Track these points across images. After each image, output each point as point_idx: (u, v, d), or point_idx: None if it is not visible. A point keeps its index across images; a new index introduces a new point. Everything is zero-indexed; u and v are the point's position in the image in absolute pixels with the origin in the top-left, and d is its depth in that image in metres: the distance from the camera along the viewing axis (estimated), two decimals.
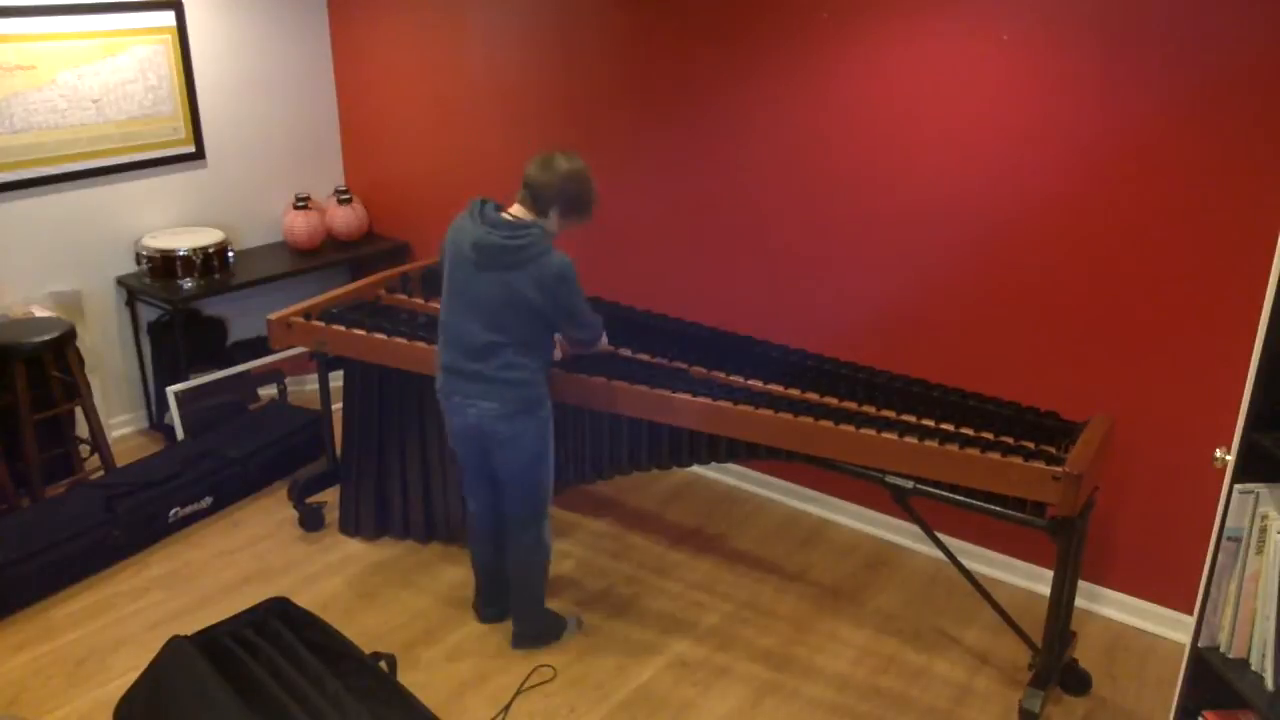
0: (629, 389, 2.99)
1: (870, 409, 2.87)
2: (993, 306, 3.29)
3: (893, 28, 3.22)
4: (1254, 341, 1.91)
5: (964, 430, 2.73)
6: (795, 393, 2.97)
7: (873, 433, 2.72)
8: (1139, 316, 3.03)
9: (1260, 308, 1.92)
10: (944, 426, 2.75)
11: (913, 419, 2.80)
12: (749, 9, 3.49)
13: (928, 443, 2.65)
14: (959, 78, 3.14)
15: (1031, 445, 2.63)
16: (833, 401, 2.92)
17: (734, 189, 3.74)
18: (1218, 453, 1.99)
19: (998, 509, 2.66)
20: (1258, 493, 1.95)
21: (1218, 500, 2.00)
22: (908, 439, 2.67)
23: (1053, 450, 2.63)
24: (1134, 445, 3.14)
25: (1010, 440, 2.67)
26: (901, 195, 3.36)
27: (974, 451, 2.61)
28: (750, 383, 3.04)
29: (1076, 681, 2.98)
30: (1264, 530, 1.94)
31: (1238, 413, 1.95)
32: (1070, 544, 2.67)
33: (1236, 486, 1.95)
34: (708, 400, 2.91)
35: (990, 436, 2.69)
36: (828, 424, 2.77)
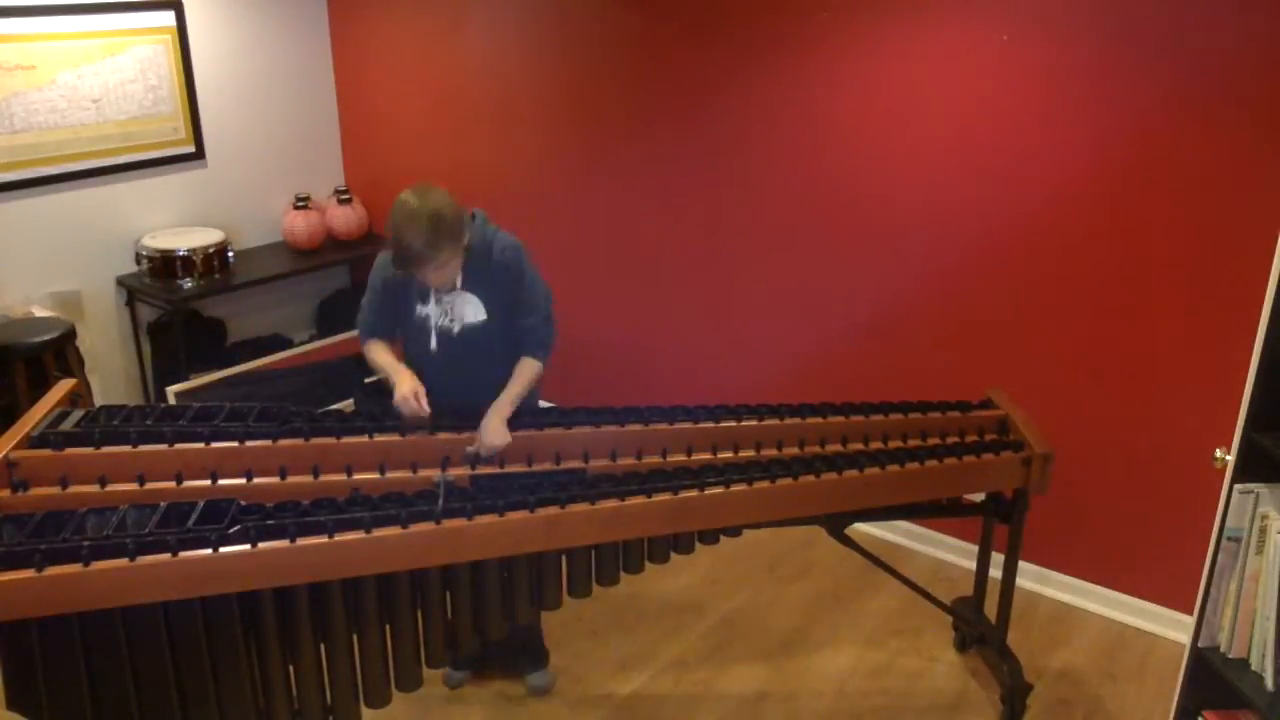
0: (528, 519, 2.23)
1: (793, 450, 2.59)
2: (992, 306, 3.29)
3: (893, 28, 3.22)
4: (1254, 341, 1.91)
5: (896, 445, 2.65)
6: (748, 454, 2.60)
7: (813, 479, 2.45)
8: (1139, 316, 3.03)
9: (1260, 308, 1.92)
10: (875, 447, 2.62)
11: (840, 448, 2.61)
12: (749, 10, 3.49)
13: (891, 468, 2.53)
14: (959, 78, 3.14)
15: (978, 438, 2.69)
16: (771, 453, 2.61)
17: (731, 189, 3.73)
18: (1218, 453, 1.99)
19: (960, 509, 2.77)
20: (1258, 493, 1.95)
21: (1218, 500, 2.00)
22: (870, 471, 2.51)
23: (996, 437, 2.71)
24: (1134, 445, 3.14)
25: (958, 440, 2.69)
26: (899, 195, 3.35)
27: (934, 463, 2.56)
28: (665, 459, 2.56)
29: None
30: (1264, 530, 1.94)
31: (1238, 413, 1.95)
32: (1024, 519, 2.73)
33: (1236, 486, 1.95)
34: (614, 503, 2.30)
35: (939, 441, 2.68)
36: (764, 484, 2.41)
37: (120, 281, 4.32)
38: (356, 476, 2.35)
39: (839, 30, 3.32)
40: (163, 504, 2.10)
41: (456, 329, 2.58)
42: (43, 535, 2.00)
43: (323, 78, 4.84)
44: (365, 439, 2.42)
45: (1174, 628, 3.20)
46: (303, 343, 4.79)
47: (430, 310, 2.58)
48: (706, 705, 2.93)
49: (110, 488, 2.23)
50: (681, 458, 2.55)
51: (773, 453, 2.58)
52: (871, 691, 2.99)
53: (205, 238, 4.34)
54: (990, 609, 2.98)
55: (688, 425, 2.61)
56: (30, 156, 3.96)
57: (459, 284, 2.56)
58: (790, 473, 2.45)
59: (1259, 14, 2.63)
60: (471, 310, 2.57)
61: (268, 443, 2.36)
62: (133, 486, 2.24)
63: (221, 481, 2.30)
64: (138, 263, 4.30)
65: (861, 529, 3.74)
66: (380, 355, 2.64)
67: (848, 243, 3.53)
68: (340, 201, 4.81)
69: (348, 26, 4.74)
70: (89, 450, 2.27)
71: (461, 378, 2.58)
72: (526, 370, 2.58)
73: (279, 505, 2.15)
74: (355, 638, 2.19)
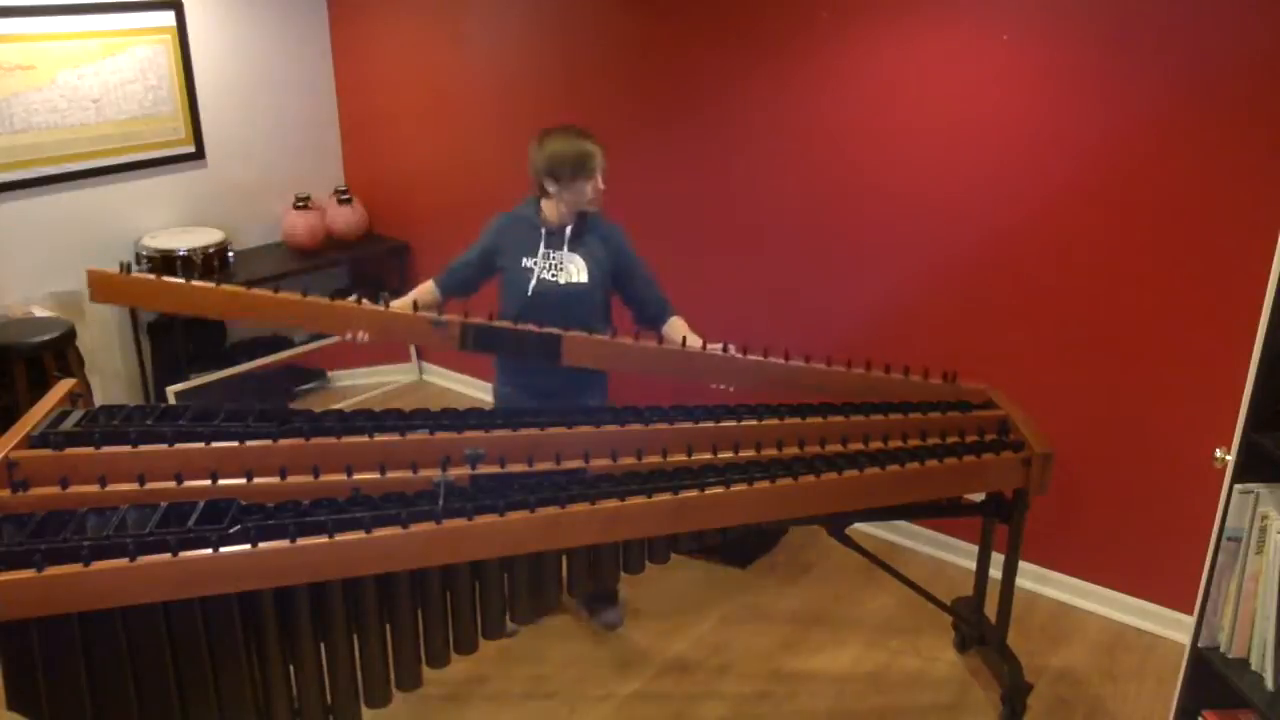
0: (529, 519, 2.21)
1: (793, 450, 2.57)
2: (992, 306, 3.29)
3: (893, 28, 3.22)
4: (1254, 341, 1.91)
5: (896, 445, 2.64)
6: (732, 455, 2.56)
7: (813, 479, 2.43)
8: (1139, 316, 3.03)
9: (1260, 308, 1.92)
10: (875, 447, 2.61)
11: (840, 448, 2.60)
12: (749, 10, 3.49)
13: (891, 468, 2.51)
14: (960, 77, 3.14)
15: (977, 438, 2.69)
16: (771, 453, 2.58)
17: (733, 188, 3.74)
18: (1218, 453, 1.99)
19: (957, 509, 2.77)
20: (1258, 493, 1.95)
21: (1218, 500, 2.00)
22: (870, 470, 2.48)
23: (996, 437, 2.71)
24: (1134, 445, 3.14)
25: (958, 440, 2.68)
26: (900, 195, 3.36)
27: (934, 463, 2.55)
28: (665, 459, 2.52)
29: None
30: (1264, 530, 1.94)
31: (1238, 413, 1.95)
32: (1024, 519, 2.73)
33: (1236, 486, 1.95)
34: (615, 503, 2.28)
35: (939, 441, 2.67)
36: (764, 484, 2.40)
37: None
38: (356, 476, 2.34)
39: (839, 31, 3.32)
40: (163, 504, 2.10)
41: (562, 281, 2.86)
42: (43, 535, 1.99)
43: (323, 78, 4.84)
44: (365, 439, 2.41)
45: (1174, 628, 3.20)
46: (303, 343, 4.79)
47: (537, 263, 2.88)
48: (706, 705, 2.93)
49: (110, 488, 2.22)
50: (681, 458, 2.54)
51: (773, 453, 2.57)
52: (871, 691, 2.99)
53: (205, 238, 4.34)
54: (990, 609, 2.98)
55: (688, 425, 2.61)
56: (30, 156, 3.96)
57: (565, 245, 2.88)
58: (790, 473, 2.44)
59: (1258, 15, 2.63)
60: (575, 270, 2.88)
61: (268, 443, 2.36)
62: (133, 486, 2.23)
63: (221, 481, 2.29)
64: (138, 262, 4.30)
65: (861, 529, 3.74)
66: (412, 294, 2.98)
67: (847, 242, 3.53)
68: (340, 201, 4.80)
69: (348, 26, 4.74)
70: (89, 450, 2.27)
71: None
72: (682, 323, 2.97)
73: (279, 505, 2.15)
74: (355, 638, 2.18)
